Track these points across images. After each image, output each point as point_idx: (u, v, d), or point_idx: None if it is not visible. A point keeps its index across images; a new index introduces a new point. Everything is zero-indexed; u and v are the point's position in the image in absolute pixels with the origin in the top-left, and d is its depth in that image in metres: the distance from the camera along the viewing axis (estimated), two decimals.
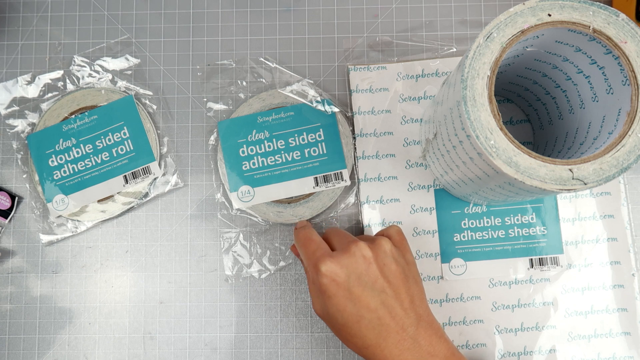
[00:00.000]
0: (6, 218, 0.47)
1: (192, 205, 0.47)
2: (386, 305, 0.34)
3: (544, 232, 0.44)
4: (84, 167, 0.47)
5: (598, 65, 0.32)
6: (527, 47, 0.33)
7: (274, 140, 0.47)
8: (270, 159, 0.46)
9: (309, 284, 0.38)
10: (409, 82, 0.46)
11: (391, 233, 0.39)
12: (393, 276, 0.35)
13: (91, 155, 0.47)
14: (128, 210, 0.47)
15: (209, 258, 0.47)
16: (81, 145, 0.47)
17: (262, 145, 0.47)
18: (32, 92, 0.48)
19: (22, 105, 0.48)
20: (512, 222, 0.45)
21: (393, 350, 0.34)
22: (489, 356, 0.43)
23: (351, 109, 0.47)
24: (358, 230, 0.46)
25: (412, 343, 0.34)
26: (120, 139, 0.47)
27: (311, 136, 0.46)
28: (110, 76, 0.48)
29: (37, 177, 0.47)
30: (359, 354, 0.36)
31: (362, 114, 0.46)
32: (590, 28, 0.30)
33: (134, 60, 0.49)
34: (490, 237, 0.45)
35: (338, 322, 0.35)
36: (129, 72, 0.48)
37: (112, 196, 0.47)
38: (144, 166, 0.47)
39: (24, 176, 0.48)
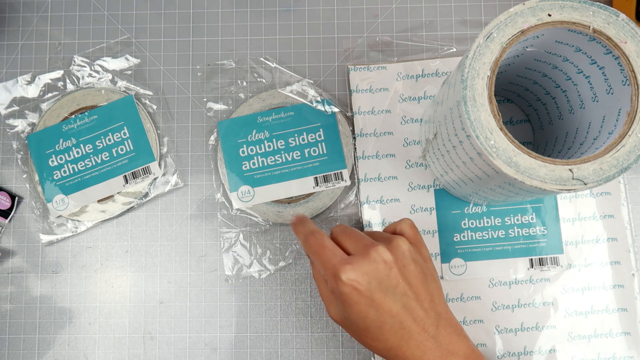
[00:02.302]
0: (6, 218, 0.47)
1: (192, 205, 0.47)
2: (408, 309, 0.33)
3: (544, 232, 0.44)
4: (84, 167, 0.47)
5: (598, 65, 0.32)
6: (527, 47, 0.33)
7: (274, 140, 0.47)
8: (270, 159, 0.46)
9: (320, 291, 0.37)
10: (409, 82, 0.46)
11: (404, 229, 0.38)
12: (413, 277, 0.34)
13: (91, 155, 0.47)
14: (128, 210, 0.47)
15: (209, 258, 0.47)
16: (81, 145, 0.47)
17: (262, 145, 0.47)
18: (32, 92, 0.48)
19: (22, 105, 0.48)
20: (512, 222, 0.45)
21: (415, 351, 0.33)
22: (489, 356, 0.43)
23: (351, 109, 0.47)
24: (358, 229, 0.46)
25: (433, 343, 0.34)
26: (120, 139, 0.47)
27: (311, 136, 0.46)
28: (110, 76, 0.48)
29: (37, 177, 0.47)
30: (380, 355, 0.35)
31: (362, 114, 0.46)
32: (590, 28, 0.30)
33: (134, 60, 0.49)
34: (490, 237, 0.45)
35: (359, 328, 0.35)
36: (129, 72, 0.48)
37: (112, 196, 0.47)
38: (144, 166, 0.47)
39: (24, 176, 0.48)
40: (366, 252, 0.34)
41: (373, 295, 0.33)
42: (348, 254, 0.35)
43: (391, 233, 0.38)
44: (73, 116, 0.47)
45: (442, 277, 0.44)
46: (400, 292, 0.33)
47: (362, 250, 0.34)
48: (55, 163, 0.47)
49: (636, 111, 0.29)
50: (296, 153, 0.46)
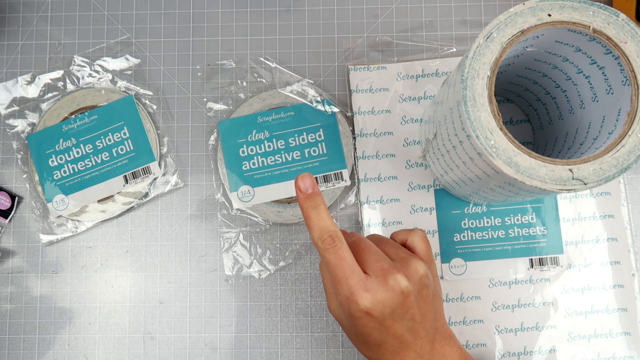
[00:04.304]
0: (6, 218, 0.47)
1: (192, 205, 0.47)
2: (411, 331, 0.33)
3: (544, 232, 0.44)
4: (84, 167, 0.47)
5: (598, 65, 0.32)
6: (527, 47, 0.33)
7: (274, 140, 0.47)
8: (270, 159, 0.46)
9: (324, 282, 0.36)
10: (409, 82, 0.46)
11: (417, 243, 0.36)
12: (423, 301, 0.34)
13: (91, 155, 0.47)
14: (128, 210, 0.47)
15: (209, 258, 0.47)
16: (81, 145, 0.47)
17: (262, 145, 0.47)
18: (32, 92, 0.48)
19: (22, 105, 0.48)
20: (512, 222, 0.45)
21: None
22: (489, 356, 0.43)
23: (351, 109, 0.47)
24: (358, 230, 0.46)
25: (427, 358, 0.34)
26: (120, 139, 0.47)
27: (311, 136, 0.46)
28: (110, 76, 0.48)
29: (37, 177, 0.47)
30: None
31: (362, 114, 0.46)
32: (590, 28, 0.30)
33: (134, 60, 0.49)
34: (490, 237, 0.45)
35: (357, 339, 0.35)
36: (129, 72, 0.48)
37: (112, 196, 0.47)
38: (144, 166, 0.47)
39: (24, 176, 0.48)
40: (384, 278, 0.32)
41: (384, 321, 0.33)
42: (362, 269, 0.34)
43: (401, 242, 0.37)
44: (73, 116, 0.47)
45: (442, 277, 0.44)
46: (409, 317, 0.33)
47: (380, 275, 0.33)
48: (55, 163, 0.47)
49: (636, 111, 0.29)
50: (296, 153, 0.46)
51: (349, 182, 0.46)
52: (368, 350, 0.35)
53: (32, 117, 0.48)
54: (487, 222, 0.45)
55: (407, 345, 0.34)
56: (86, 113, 0.47)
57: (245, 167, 0.46)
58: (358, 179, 0.46)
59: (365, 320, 0.33)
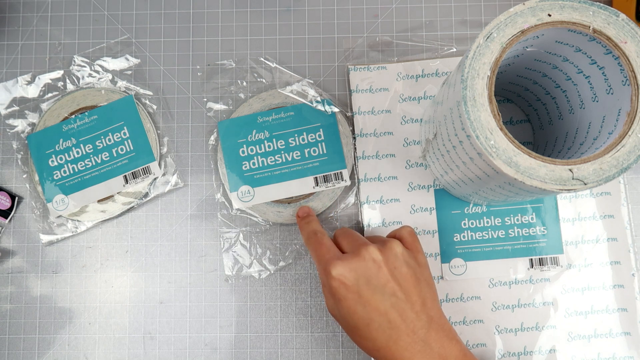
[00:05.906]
0: (6, 218, 0.47)
1: (192, 205, 0.47)
2: (397, 309, 0.34)
3: (544, 232, 0.44)
4: (84, 167, 0.47)
5: (598, 66, 0.32)
6: (527, 47, 0.33)
7: (274, 140, 0.47)
8: (270, 159, 0.46)
9: (322, 285, 0.38)
10: (409, 82, 0.46)
11: (403, 234, 0.39)
12: (404, 279, 0.35)
13: (91, 155, 0.47)
14: (128, 210, 0.47)
15: (209, 258, 0.47)
16: (81, 145, 0.47)
17: (262, 145, 0.47)
18: (32, 92, 0.48)
19: (22, 105, 0.48)
20: (512, 222, 0.45)
21: (404, 353, 0.34)
22: (489, 356, 0.43)
23: (351, 109, 0.47)
24: (358, 230, 0.46)
25: (423, 346, 0.34)
26: (120, 139, 0.47)
27: (311, 136, 0.46)
28: (110, 76, 0.48)
29: (37, 177, 0.47)
30: (371, 356, 0.36)
31: (362, 114, 0.46)
32: (590, 28, 0.30)
33: (134, 60, 0.49)
34: (490, 237, 0.45)
35: (349, 324, 0.35)
36: (129, 72, 0.48)
37: (112, 196, 0.47)
38: (144, 166, 0.47)
39: (24, 176, 0.48)
40: (358, 250, 0.35)
41: (360, 291, 0.34)
42: (342, 250, 0.37)
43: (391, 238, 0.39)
44: (73, 116, 0.47)
45: (442, 277, 0.44)
46: (389, 291, 0.34)
47: (355, 249, 0.36)
48: (55, 163, 0.47)
49: (636, 111, 0.29)
50: (296, 153, 0.46)
51: (349, 182, 0.46)
52: (362, 338, 0.35)
53: (32, 117, 0.48)
54: (487, 222, 0.45)
55: (397, 327, 0.34)
56: (86, 113, 0.47)
57: (245, 167, 0.46)
58: (358, 179, 0.46)
59: (343, 291, 0.34)
